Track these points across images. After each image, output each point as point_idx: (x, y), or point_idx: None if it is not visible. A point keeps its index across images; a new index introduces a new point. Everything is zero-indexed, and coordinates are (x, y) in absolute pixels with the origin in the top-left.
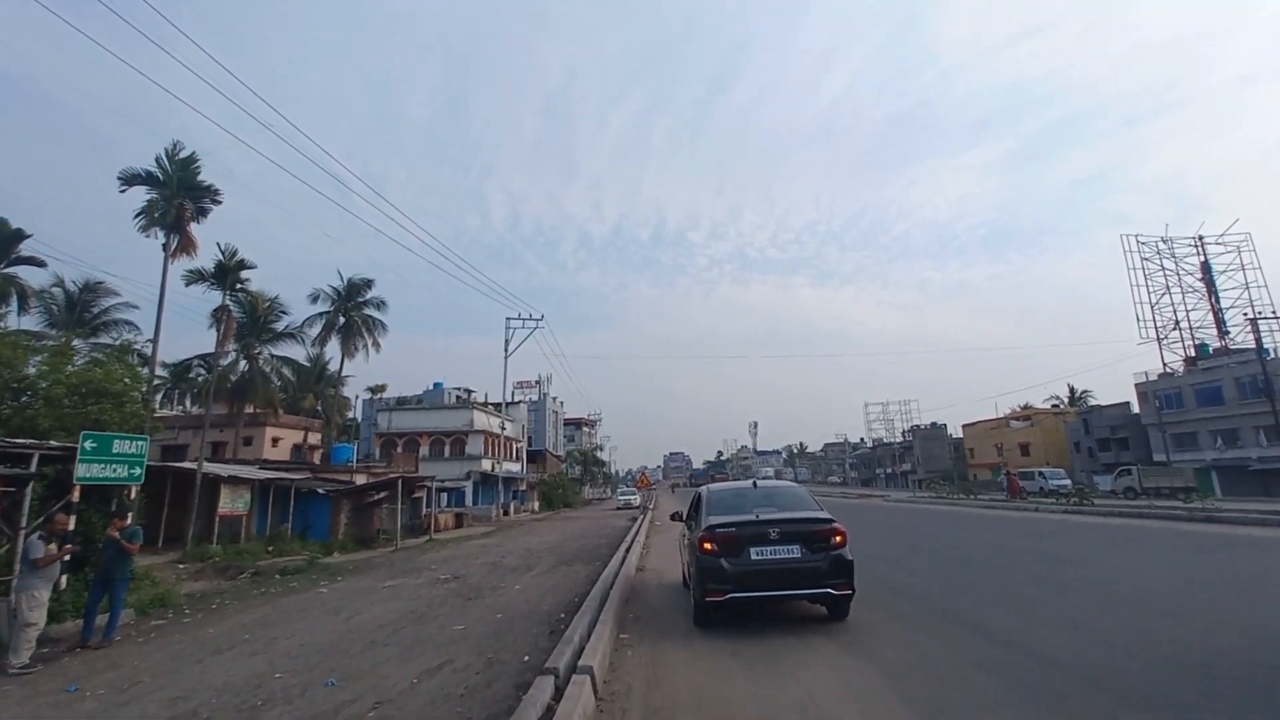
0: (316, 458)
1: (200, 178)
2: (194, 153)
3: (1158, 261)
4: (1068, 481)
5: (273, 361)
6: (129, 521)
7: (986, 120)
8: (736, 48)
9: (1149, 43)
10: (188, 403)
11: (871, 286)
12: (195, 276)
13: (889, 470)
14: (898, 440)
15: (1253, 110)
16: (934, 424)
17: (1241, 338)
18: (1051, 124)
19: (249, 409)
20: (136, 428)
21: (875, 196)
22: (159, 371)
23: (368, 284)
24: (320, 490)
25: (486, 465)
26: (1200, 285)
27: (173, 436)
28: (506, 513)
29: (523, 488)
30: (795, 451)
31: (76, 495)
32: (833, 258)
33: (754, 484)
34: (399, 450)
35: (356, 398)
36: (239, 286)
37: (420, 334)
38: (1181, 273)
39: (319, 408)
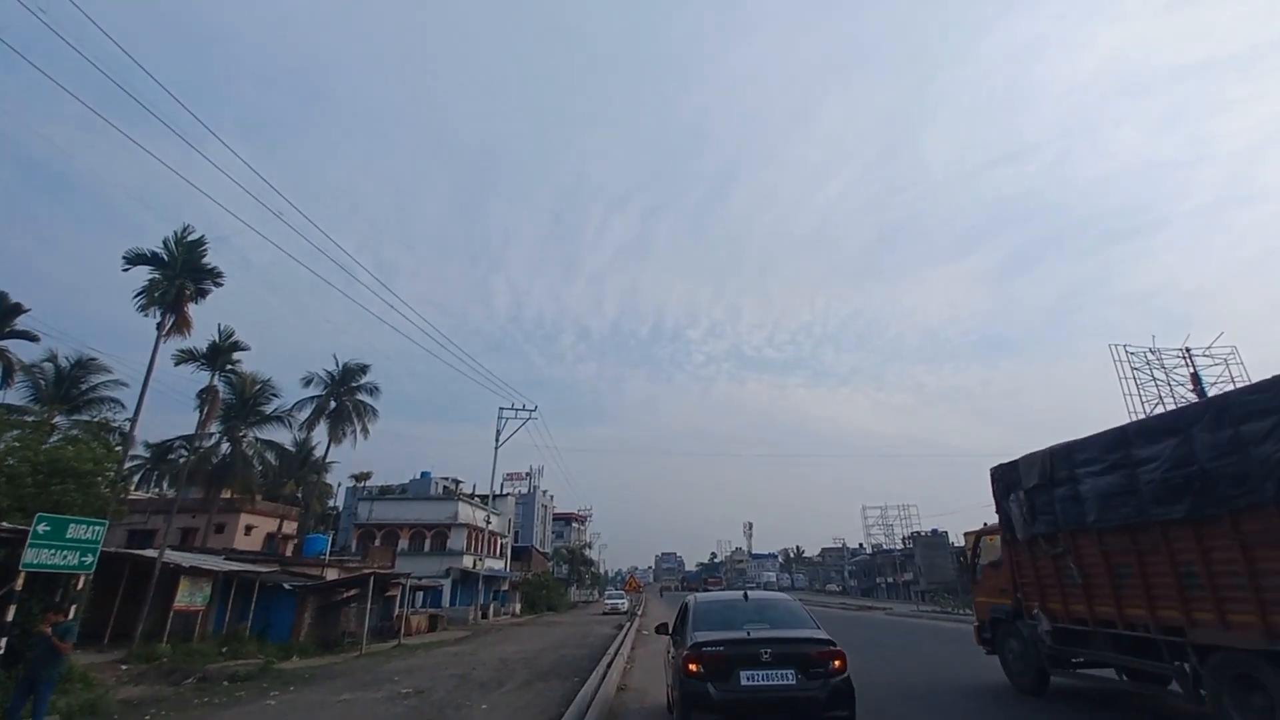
0: (290, 548)
1: (205, 260)
2: (202, 236)
3: (1148, 372)
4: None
5: (256, 445)
6: (68, 616)
7: (972, 234)
8: (735, 160)
9: (1122, 169)
10: (164, 485)
11: (867, 388)
12: (186, 356)
13: (890, 579)
14: (898, 547)
15: (1224, 233)
16: (935, 531)
17: None
18: (1034, 240)
19: (226, 494)
20: (99, 510)
21: (869, 300)
22: (140, 451)
23: (363, 369)
24: (286, 586)
25: (468, 562)
26: (1192, 397)
27: (142, 521)
28: (485, 615)
29: (505, 588)
30: (791, 556)
31: (20, 583)
32: (828, 359)
33: (745, 595)
34: (377, 543)
35: (339, 485)
36: (229, 368)
37: (413, 422)
38: (1173, 384)
39: (299, 495)
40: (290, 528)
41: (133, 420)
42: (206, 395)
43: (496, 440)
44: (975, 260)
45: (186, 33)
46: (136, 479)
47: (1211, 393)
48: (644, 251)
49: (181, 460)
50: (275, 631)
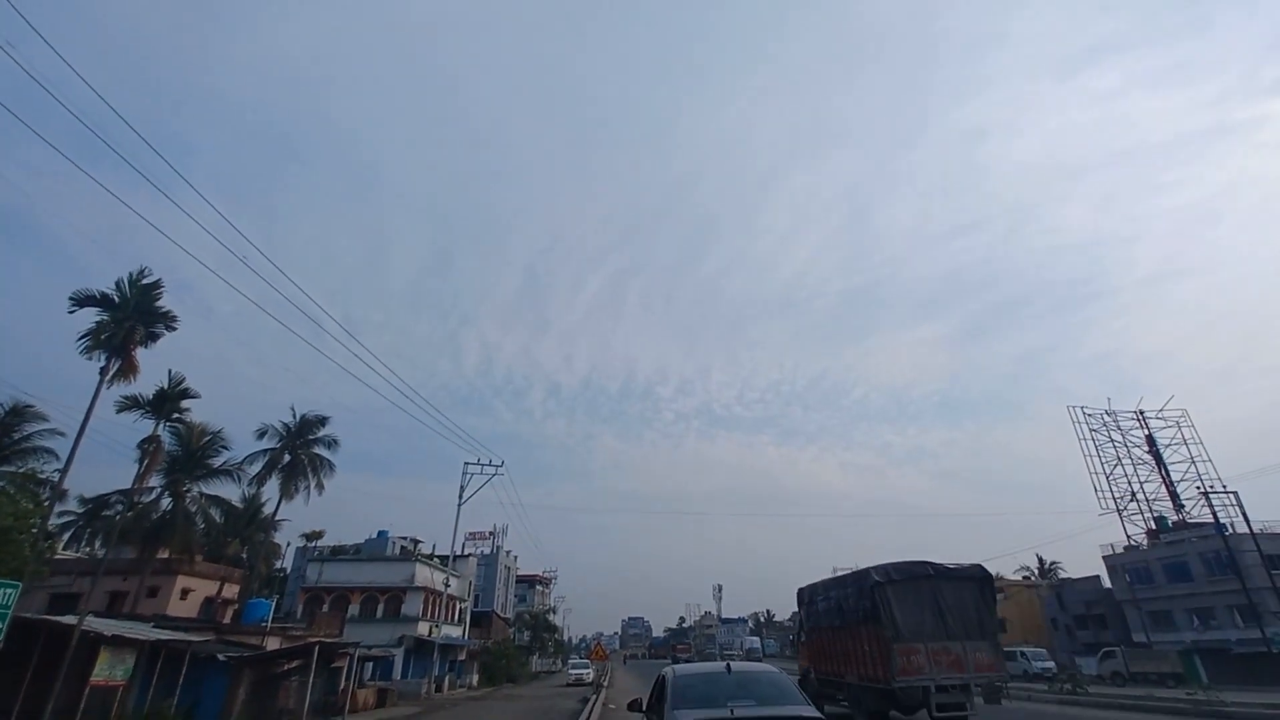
0: (230, 614)
1: (159, 304)
2: (158, 280)
3: (1105, 434)
4: (1052, 664)
5: (200, 500)
6: None
7: (932, 300)
8: (707, 224)
9: (1066, 244)
10: (97, 544)
11: (835, 447)
12: (130, 403)
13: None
14: None
15: (1166, 303)
16: None
17: (1196, 511)
18: (990, 306)
19: (163, 554)
20: (17, 571)
21: (835, 362)
22: (72, 507)
23: (321, 421)
24: (220, 657)
25: (423, 629)
26: (1148, 458)
27: (67, 584)
28: (440, 688)
29: (462, 657)
30: (762, 620)
31: None
32: (797, 417)
33: (728, 667)
34: (324, 608)
35: (288, 545)
36: (176, 416)
37: (375, 478)
38: (1129, 444)
39: (244, 555)
40: (232, 591)
41: (62, 471)
42: (149, 445)
43: (460, 496)
44: (936, 325)
45: (164, 82)
46: (66, 537)
47: (1166, 455)
48: (616, 310)
49: (117, 516)
50: (205, 709)
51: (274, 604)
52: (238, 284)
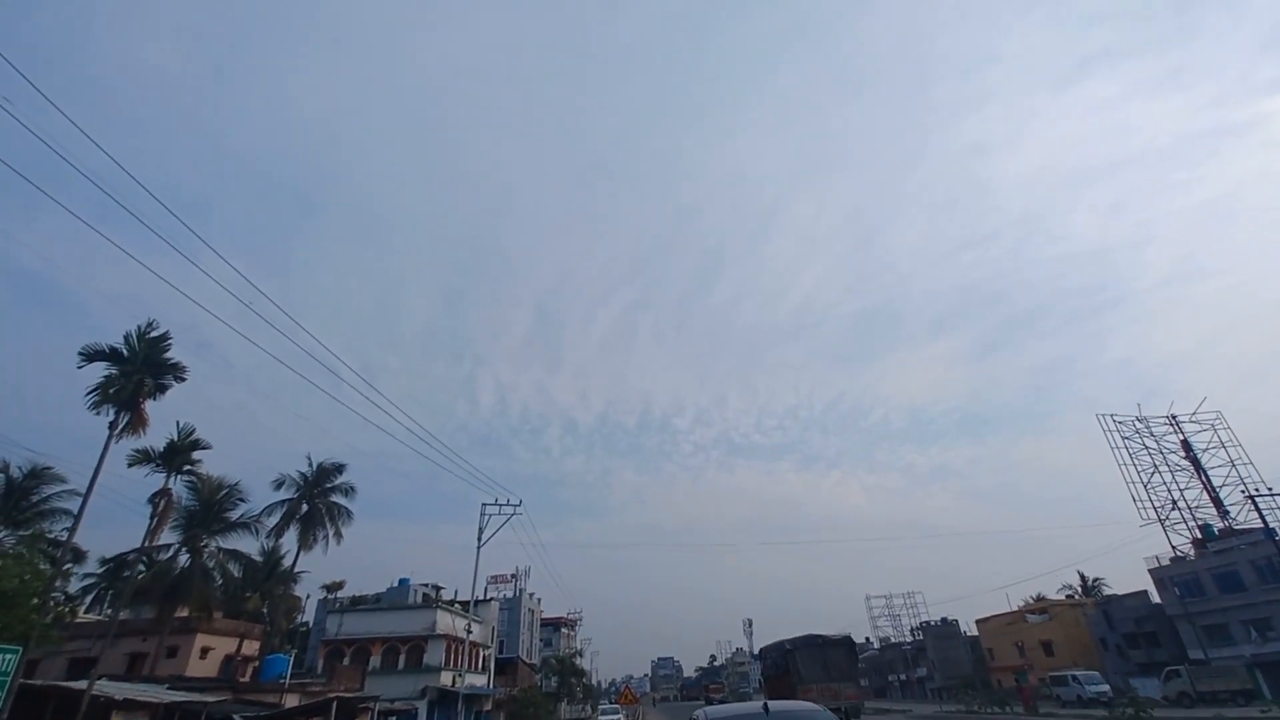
0: (249, 672)
1: (168, 355)
2: (166, 332)
3: (1139, 441)
4: (1107, 687)
5: (218, 555)
6: None
7: (945, 316)
8: (715, 254)
9: (1077, 252)
10: (119, 605)
11: (857, 470)
12: (141, 457)
13: (902, 676)
14: (907, 640)
15: (1182, 307)
16: (945, 620)
17: (1243, 516)
18: (1005, 319)
19: (182, 612)
20: (22, 636)
21: (852, 384)
22: (93, 568)
23: (338, 468)
24: (237, 717)
25: (446, 679)
26: (1186, 464)
27: (86, 648)
28: None
29: (487, 707)
30: None
31: None
32: (816, 442)
33: (765, 708)
34: (345, 661)
35: (308, 596)
36: (188, 469)
37: (395, 523)
38: (1165, 451)
39: (264, 610)
40: (252, 648)
41: (71, 529)
42: (160, 499)
43: (479, 539)
44: (951, 341)
45: (180, 143)
46: (89, 600)
47: (1204, 460)
48: (628, 343)
49: (139, 575)
50: None
51: (292, 659)
52: (256, 338)
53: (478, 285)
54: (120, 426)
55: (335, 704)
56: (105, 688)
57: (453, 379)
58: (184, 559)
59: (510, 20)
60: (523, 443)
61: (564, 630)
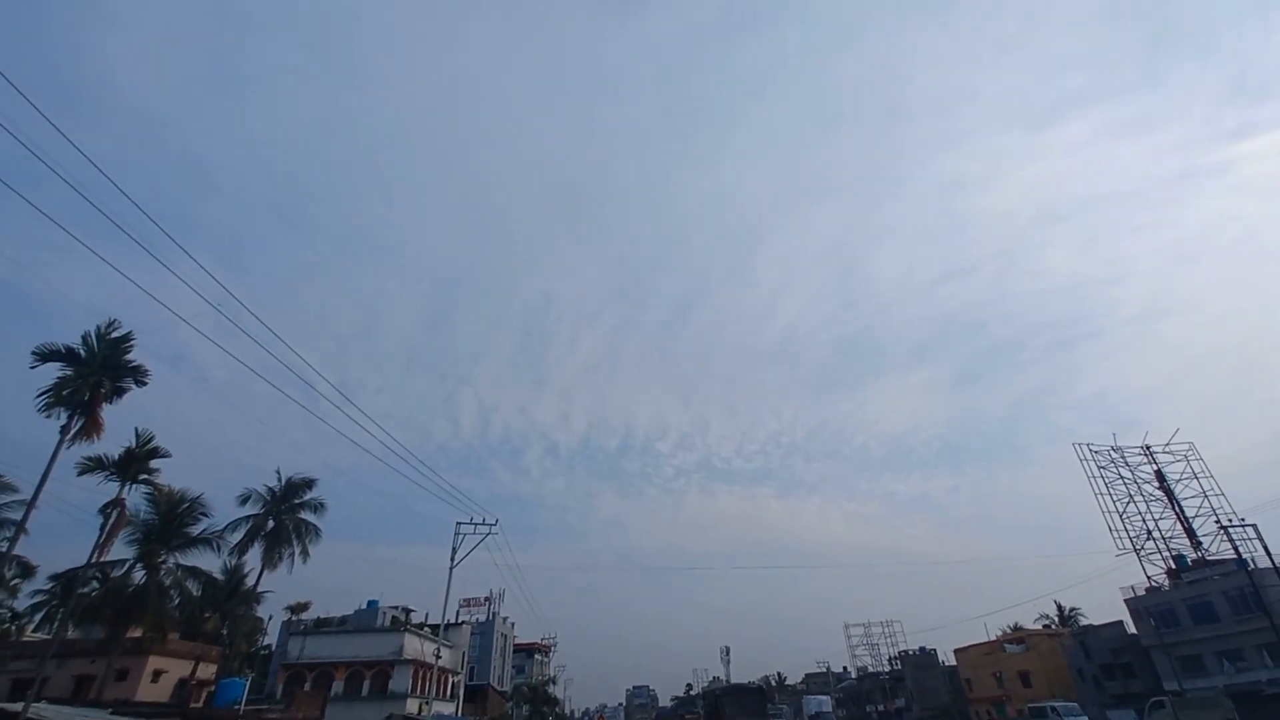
0: (204, 696)
1: (129, 358)
2: (130, 333)
3: (1114, 470)
4: (1085, 719)
5: (176, 572)
6: None
7: (925, 346)
8: (697, 280)
9: (1052, 287)
10: (71, 625)
11: (838, 497)
12: (93, 464)
13: (880, 707)
14: (885, 670)
15: (1155, 342)
16: (923, 649)
17: (1215, 547)
18: (983, 350)
19: (134, 632)
20: None
21: (834, 411)
22: (42, 584)
23: (308, 484)
24: None
25: (412, 706)
26: (1160, 494)
27: (32, 668)
28: None
29: None
30: (773, 684)
31: None
32: (798, 468)
33: None
34: (306, 686)
35: (270, 618)
36: (145, 478)
37: (367, 544)
38: (1139, 481)
39: (224, 631)
40: (208, 671)
41: (11, 540)
42: (113, 509)
43: (452, 559)
44: (930, 370)
45: (164, 157)
46: (39, 618)
47: (1178, 490)
48: (612, 366)
49: (91, 592)
50: None
51: (249, 683)
52: (233, 350)
53: (463, 305)
54: (73, 431)
55: None
56: (43, 711)
57: (434, 398)
58: (140, 575)
59: (500, 42)
60: (503, 464)
61: (538, 656)
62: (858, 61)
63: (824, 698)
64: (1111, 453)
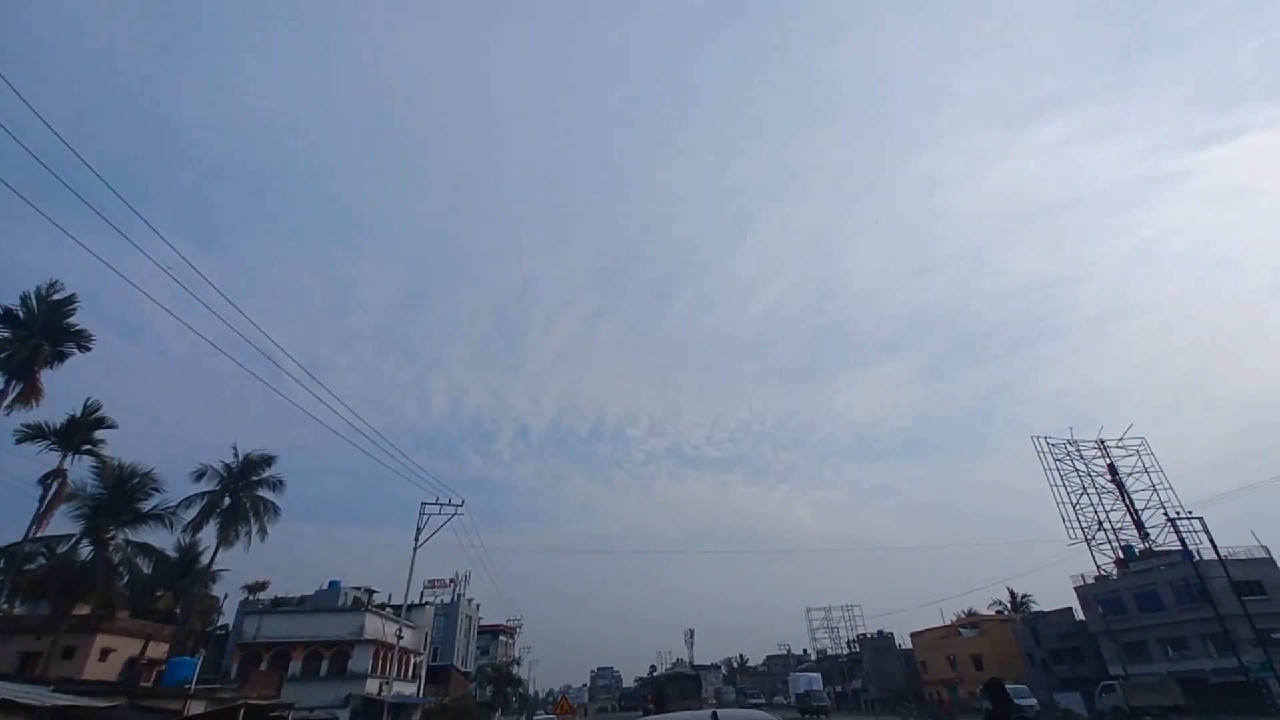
0: (155, 676)
1: (71, 321)
2: (73, 295)
3: (1070, 463)
4: (1034, 701)
5: (126, 549)
6: None
7: (895, 339)
8: (677, 267)
9: (1021, 284)
10: (18, 601)
11: (805, 485)
12: (33, 432)
13: (838, 688)
14: (844, 652)
15: (1113, 342)
16: (881, 633)
17: (1163, 538)
18: (950, 345)
19: (82, 610)
20: None
21: (804, 400)
22: None
23: (267, 460)
24: None
25: (372, 687)
26: (1112, 487)
27: None
28: None
29: (417, 717)
30: (735, 666)
31: None
32: (766, 456)
33: (713, 715)
34: (263, 666)
35: (226, 597)
36: (89, 448)
37: (333, 525)
38: (1093, 474)
39: (177, 610)
40: (160, 650)
41: None
42: (53, 480)
43: (416, 539)
44: (899, 363)
45: (127, 123)
46: None
47: (1129, 483)
48: (587, 351)
49: (36, 568)
50: None
51: (200, 662)
52: (194, 324)
53: (437, 286)
54: (10, 397)
55: (243, 711)
56: None
57: (404, 379)
58: (87, 551)
59: (488, 22)
60: (473, 447)
61: (503, 638)
62: (843, 55)
63: (814, 674)
64: (1068, 446)
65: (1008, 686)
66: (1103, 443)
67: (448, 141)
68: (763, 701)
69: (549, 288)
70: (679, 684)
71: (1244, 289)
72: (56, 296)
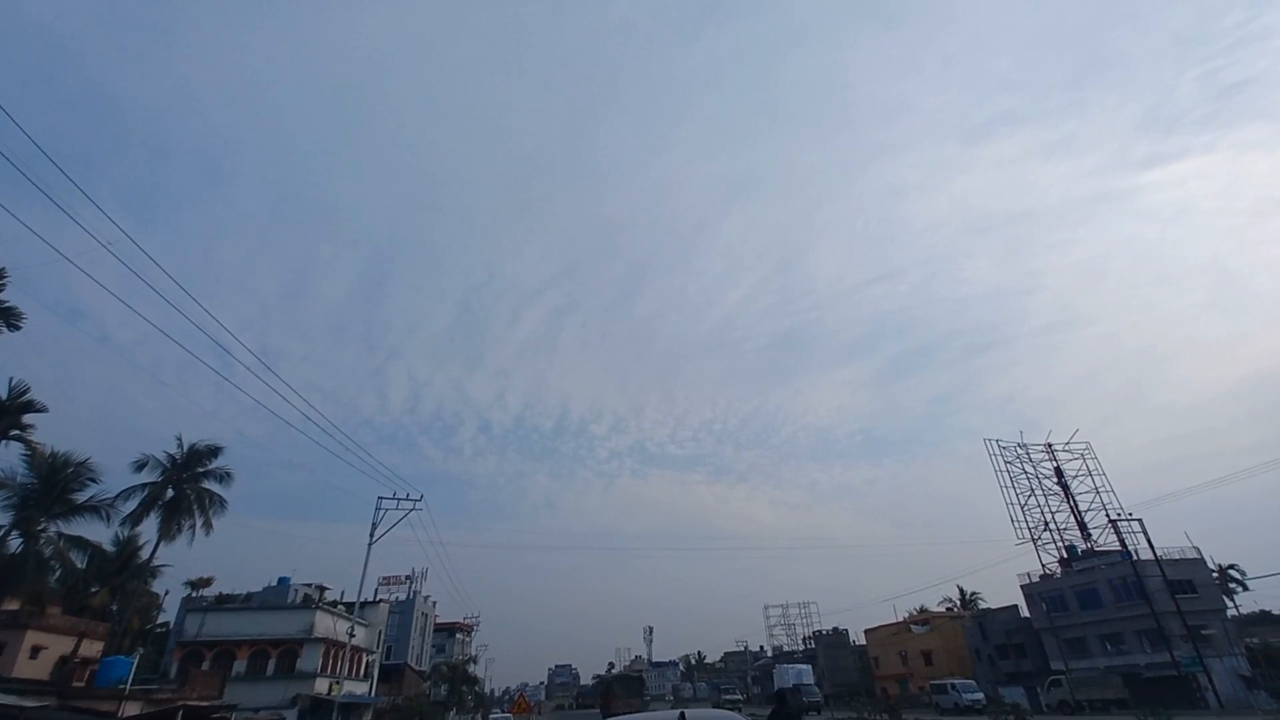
0: (88, 675)
1: (2, 296)
2: (2, 269)
3: (1019, 466)
4: (981, 695)
5: (58, 542)
6: None
7: (854, 344)
8: (642, 266)
9: (975, 294)
10: None
11: (765, 485)
12: None
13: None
14: (800, 648)
15: (1059, 352)
16: (836, 629)
17: (1104, 539)
18: (907, 351)
19: (11, 605)
20: None
21: (765, 401)
22: None
23: (214, 452)
24: None
25: (321, 686)
26: (1058, 489)
27: None
28: None
29: (368, 717)
30: (693, 662)
31: None
32: (728, 456)
33: (681, 716)
34: (205, 665)
35: (166, 593)
36: (16, 434)
37: (286, 520)
38: (1040, 476)
39: (113, 606)
40: (94, 649)
41: None
42: None
43: (371, 535)
44: (858, 367)
45: (69, 97)
46: None
47: (1074, 485)
48: (552, 347)
49: None
50: None
51: (136, 661)
52: (139, 308)
53: (399, 274)
54: None
55: (181, 712)
56: None
57: (363, 370)
58: (16, 544)
59: (451, 8)
60: (433, 441)
61: (459, 636)
62: (810, 62)
63: (804, 667)
64: (1018, 449)
65: (956, 681)
66: (1050, 446)
67: (410, 127)
68: (740, 699)
69: (513, 282)
70: (625, 684)
71: (1180, 305)
72: None
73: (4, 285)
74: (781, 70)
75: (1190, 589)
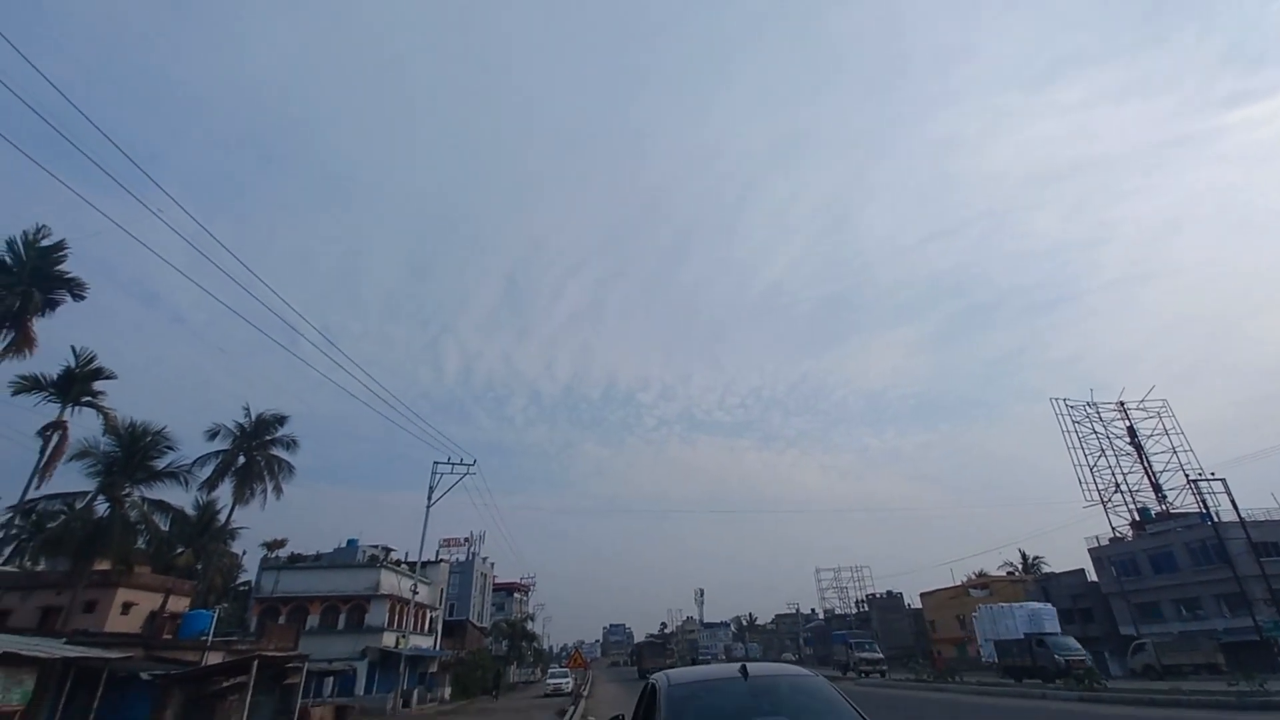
0: (176, 628)
1: (62, 268)
2: (62, 240)
3: (1089, 425)
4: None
5: (142, 506)
6: None
7: (908, 305)
8: (689, 232)
9: (1035, 250)
10: (42, 557)
11: (814, 450)
12: (29, 383)
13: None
14: (853, 611)
15: (1133, 306)
16: (890, 593)
17: (1180, 501)
18: (963, 310)
19: (102, 565)
20: None
21: (815, 366)
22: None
23: (280, 420)
24: (144, 675)
25: (389, 640)
26: (1131, 449)
27: None
28: (408, 703)
29: (433, 669)
30: (745, 624)
31: None
32: (777, 422)
33: (743, 670)
34: (281, 620)
35: (244, 554)
36: (88, 400)
37: (350, 487)
38: (1111, 436)
39: (198, 566)
40: (181, 604)
41: None
42: (53, 432)
43: (429, 498)
44: (912, 329)
45: (136, 86)
46: (9, 551)
47: (1148, 446)
48: (598, 316)
49: (55, 525)
50: None
51: (217, 614)
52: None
53: (446, 252)
54: (2, 345)
55: (256, 662)
56: None
57: (417, 345)
58: (103, 509)
59: None
60: (486, 411)
61: (517, 595)
62: (857, 11)
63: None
64: (1087, 409)
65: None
66: (1123, 405)
67: (452, 110)
68: (880, 657)
69: (557, 254)
70: (651, 648)
71: (1266, 257)
72: (45, 242)
73: (65, 257)
74: (829, 22)
75: (1275, 551)
